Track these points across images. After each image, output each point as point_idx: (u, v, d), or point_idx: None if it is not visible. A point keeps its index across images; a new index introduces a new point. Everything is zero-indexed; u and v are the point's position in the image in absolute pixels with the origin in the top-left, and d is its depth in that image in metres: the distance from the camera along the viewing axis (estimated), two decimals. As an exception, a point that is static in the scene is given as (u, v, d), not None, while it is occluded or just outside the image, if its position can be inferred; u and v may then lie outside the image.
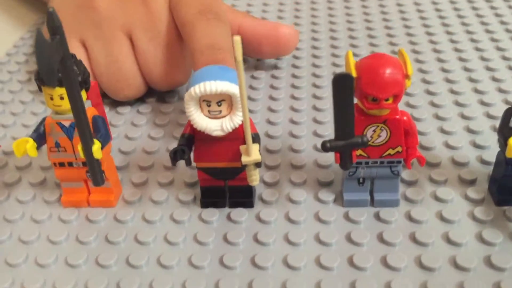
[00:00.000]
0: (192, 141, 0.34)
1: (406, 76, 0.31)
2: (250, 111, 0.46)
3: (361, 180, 0.36)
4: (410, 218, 0.35)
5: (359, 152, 0.34)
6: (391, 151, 0.34)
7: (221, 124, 0.33)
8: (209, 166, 0.35)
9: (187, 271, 0.32)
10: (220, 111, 0.33)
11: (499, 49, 0.53)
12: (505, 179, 0.35)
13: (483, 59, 0.51)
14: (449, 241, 0.33)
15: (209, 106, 0.32)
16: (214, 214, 0.36)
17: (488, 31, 0.56)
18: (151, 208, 0.37)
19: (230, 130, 0.33)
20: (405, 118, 0.33)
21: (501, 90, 0.47)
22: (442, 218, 0.35)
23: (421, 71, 0.50)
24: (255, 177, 0.34)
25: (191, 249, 0.34)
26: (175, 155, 0.34)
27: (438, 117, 0.44)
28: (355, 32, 0.58)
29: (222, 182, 0.36)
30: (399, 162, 0.34)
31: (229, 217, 0.36)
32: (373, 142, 0.33)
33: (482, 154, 0.40)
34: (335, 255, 0.32)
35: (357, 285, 0.31)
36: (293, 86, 0.49)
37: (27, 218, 0.37)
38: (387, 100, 0.31)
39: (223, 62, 0.39)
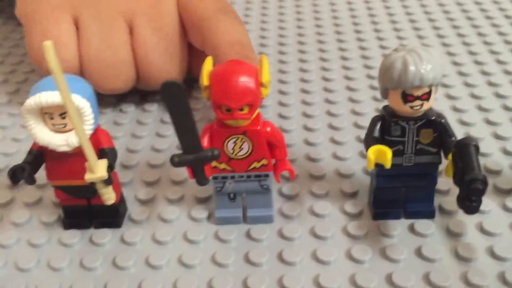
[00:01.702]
0: (40, 157, 0.32)
1: (261, 84, 0.29)
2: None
3: (231, 196, 0.33)
4: (281, 235, 0.33)
5: (223, 165, 0.32)
6: (256, 164, 0.32)
7: (66, 138, 0.30)
8: (63, 184, 0.32)
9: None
10: (65, 124, 0.30)
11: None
12: (379, 192, 0.33)
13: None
14: (317, 259, 0.31)
15: (52, 119, 0.30)
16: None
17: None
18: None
19: (77, 145, 0.30)
20: (268, 129, 0.31)
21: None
22: (314, 234, 0.32)
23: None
24: (108, 196, 0.31)
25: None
26: (14, 174, 0.31)
27: (332, 127, 0.42)
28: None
29: (85, 201, 0.34)
30: (267, 175, 0.32)
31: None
32: (236, 155, 0.31)
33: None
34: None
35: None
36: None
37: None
38: (241, 110, 0.29)
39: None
